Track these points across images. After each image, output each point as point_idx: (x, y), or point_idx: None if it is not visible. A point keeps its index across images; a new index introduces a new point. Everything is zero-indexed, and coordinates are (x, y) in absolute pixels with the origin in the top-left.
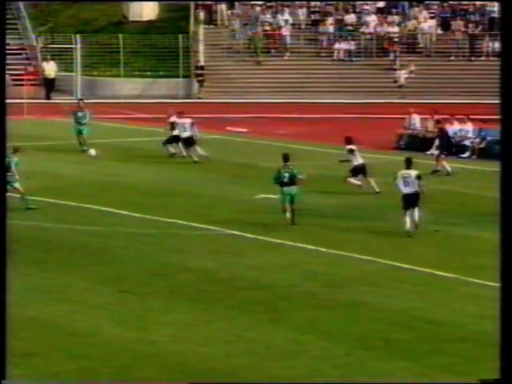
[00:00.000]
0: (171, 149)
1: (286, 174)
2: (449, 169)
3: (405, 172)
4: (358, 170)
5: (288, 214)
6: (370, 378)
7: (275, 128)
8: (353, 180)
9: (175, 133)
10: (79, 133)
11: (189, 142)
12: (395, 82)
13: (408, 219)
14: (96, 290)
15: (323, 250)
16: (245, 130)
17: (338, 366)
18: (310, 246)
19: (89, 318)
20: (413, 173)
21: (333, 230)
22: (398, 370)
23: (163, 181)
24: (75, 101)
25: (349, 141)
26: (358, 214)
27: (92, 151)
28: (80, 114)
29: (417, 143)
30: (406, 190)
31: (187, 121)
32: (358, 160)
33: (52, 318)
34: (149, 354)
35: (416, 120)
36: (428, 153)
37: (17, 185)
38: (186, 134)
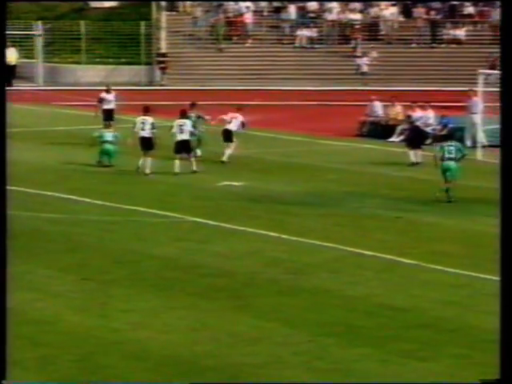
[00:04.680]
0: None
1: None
2: None
3: (180, 121)
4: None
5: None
6: (331, 364)
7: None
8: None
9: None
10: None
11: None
12: (357, 69)
13: (178, 162)
14: (58, 277)
15: (285, 237)
16: (207, 116)
17: (300, 353)
18: (272, 233)
19: (50, 306)
20: (188, 122)
21: (295, 217)
22: (359, 356)
23: (125, 168)
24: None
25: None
26: (319, 201)
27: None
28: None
29: (379, 130)
30: (181, 137)
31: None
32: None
33: (13, 305)
34: (111, 342)
35: (378, 107)
36: (390, 140)
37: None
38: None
